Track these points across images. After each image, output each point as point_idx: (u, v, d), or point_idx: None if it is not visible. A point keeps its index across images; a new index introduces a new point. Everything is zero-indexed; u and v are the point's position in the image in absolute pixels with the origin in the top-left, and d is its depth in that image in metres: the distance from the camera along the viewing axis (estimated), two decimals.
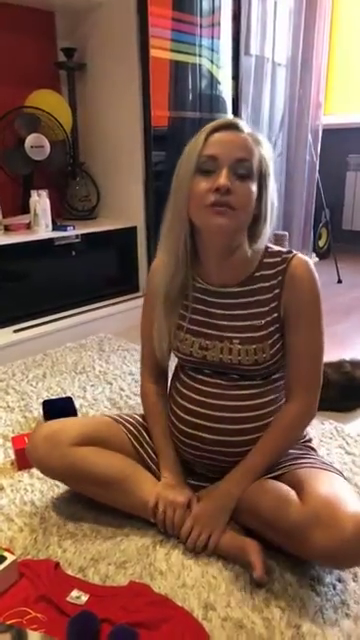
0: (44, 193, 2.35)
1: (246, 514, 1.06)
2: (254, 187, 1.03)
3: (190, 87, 2.81)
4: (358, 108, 3.87)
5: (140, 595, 0.98)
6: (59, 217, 2.74)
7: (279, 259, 1.10)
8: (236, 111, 2.93)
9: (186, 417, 1.15)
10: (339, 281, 3.39)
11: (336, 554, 0.90)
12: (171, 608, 0.95)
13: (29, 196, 2.33)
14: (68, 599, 0.96)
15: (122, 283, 2.71)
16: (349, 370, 1.77)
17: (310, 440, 1.25)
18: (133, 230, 2.70)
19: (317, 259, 3.53)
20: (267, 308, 1.09)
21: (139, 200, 2.70)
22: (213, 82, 2.87)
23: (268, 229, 1.08)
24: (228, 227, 1.02)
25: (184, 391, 1.17)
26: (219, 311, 1.12)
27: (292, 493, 0.99)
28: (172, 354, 1.21)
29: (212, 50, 2.82)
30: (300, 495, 0.98)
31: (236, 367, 1.10)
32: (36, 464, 1.17)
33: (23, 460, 1.36)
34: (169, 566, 1.06)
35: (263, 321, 1.09)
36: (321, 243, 3.94)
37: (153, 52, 2.53)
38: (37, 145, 2.41)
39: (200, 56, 2.78)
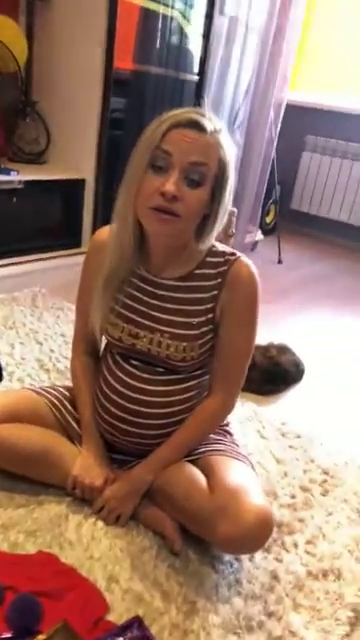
0: None
1: (159, 496, 1.11)
2: (205, 193, 1.00)
3: (158, 39, 2.68)
4: (324, 88, 3.86)
5: (47, 565, 1.01)
6: (4, 157, 2.59)
7: (222, 260, 1.09)
8: (203, 72, 2.84)
9: (107, 404, 1.16)
10: (279, 261, 3.48)
11: (238, 542, 0.98)
12: (76, 579, 0.99)
13: None
14: None
15: (64, 237, 2.63)
16: (274, 355, 1.85)
17: (227, 424, 1.30)
18: (81, 183, 2.60)
19: (262, 236, 3.57)
20: (203, 307, 1.09)
21: (91, 149, 2.58)
22: (182, 37, 2.75)
23: (217, 229, 1.06)
24: (170, 233, 1.02)
25: (109, 378, 1.16)
26: (154, 301, 1.11)
27: (202, 481, 1.05)
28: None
29: (185, 4, 2.69)
30: (210, 482, 1.04)
31: (163, 360, 1.10)
32: None
33: None
34: (79, 537, 1.09)
35: (196, 320, 1.09)
36: (268, 219, 3.98)
37: None
38: None
39: (172, 8, 2.65)
